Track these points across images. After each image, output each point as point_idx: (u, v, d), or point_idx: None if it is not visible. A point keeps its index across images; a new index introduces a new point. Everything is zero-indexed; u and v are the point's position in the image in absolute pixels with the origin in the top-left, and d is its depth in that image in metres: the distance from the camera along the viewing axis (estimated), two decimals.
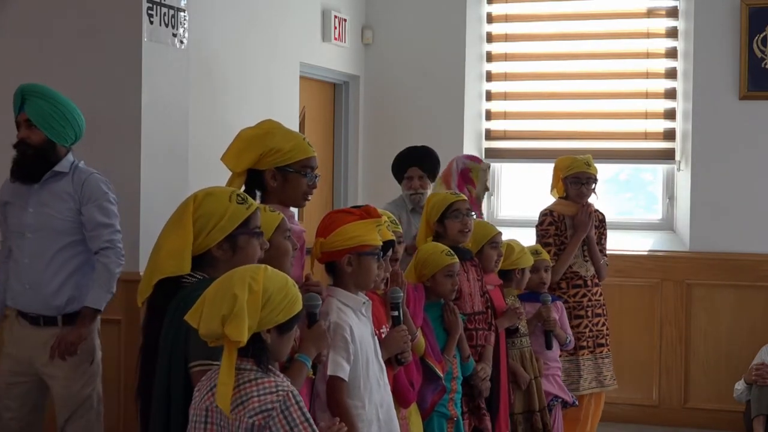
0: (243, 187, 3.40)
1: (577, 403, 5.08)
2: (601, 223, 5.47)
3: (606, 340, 5.36)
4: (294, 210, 3.70)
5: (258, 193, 3.44)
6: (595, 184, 5.37)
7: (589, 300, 5.28)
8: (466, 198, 4.45)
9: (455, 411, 4.09)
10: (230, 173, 3.43)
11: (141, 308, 2.88)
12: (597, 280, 5.36)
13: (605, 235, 5.50)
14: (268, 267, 2.52)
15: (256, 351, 2.43)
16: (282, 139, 3.40)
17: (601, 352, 5.32)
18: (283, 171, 3.40)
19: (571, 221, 5.29)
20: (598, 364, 5.29)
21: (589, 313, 5.24)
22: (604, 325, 5.35)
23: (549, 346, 4.89)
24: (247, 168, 3.40)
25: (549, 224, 5.29)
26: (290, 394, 2.39)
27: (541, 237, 5.30)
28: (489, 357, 4.37)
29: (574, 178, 5.30)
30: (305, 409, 2.40)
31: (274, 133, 3.41)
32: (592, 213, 5.30)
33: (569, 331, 5.06)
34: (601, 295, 5.38)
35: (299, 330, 2.74)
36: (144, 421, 2.80)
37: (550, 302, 4.90)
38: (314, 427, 2.39)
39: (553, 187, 5.47)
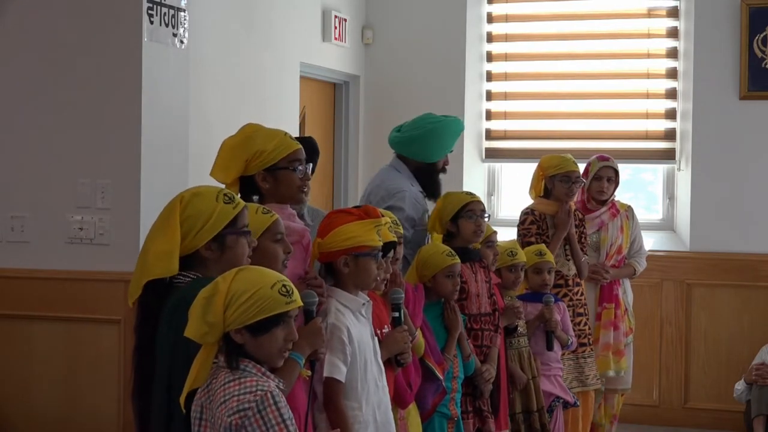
0: (239, 195, 3.38)
1: (578, 403, 5.07)
2: (580, 222, 5.47)
3: (588, 339, 5.33)
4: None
5: (255, 198, 3.42)
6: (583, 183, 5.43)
7: (570, 300, 5.25)
8: (480, 199, 4.46)
9: (456, 411, 4.10)
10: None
11: (133, 308, 2.88)
12: (578, 280, 5.35)
13: (585, 234, 5.49)
14: (251, 268, 2.55)
15: (227, 349, 2.48)
16: (263, 141, 3.36)
17: (584, 351, 5.29)
18: (272, 171, 3.36)
19: (552, 220, 5.29)
20: (579, 364, 5.27)
21: (570, 313, 5.21)
22: (586, 324, 5.32)
23: (550, 347, 4.89)
24: (236, 177, 3.37)
25: (530, 223, 5.28)
26: (268, 395, 2.39)
27: (522, 236, 5.28)
28: (494, 358, 4.37)
29: (564, 177, 5.28)
30: (284, 411, 2.40)
31: (255, 137, 3.37)
32: (572, 211, 5.31)
33: (571, 332, 5.05)
34: (582, 294, 5.35)
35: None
36: (140, 422, 2.80)
37: (552, 303, 4.89)
38: (290, 429, 2.40)
39: (532, 187, 5.46)
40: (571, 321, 5.18)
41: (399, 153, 4.70)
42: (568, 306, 5.20)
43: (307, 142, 4.28)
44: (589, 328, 5.35)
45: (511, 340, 4.66)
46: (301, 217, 3.72)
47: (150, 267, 2.76)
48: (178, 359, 2.63)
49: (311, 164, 3.99)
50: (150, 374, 2.73)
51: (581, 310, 5.32)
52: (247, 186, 3.40)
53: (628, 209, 5.84)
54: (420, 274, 4.12)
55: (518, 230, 5.35)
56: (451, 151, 4.71)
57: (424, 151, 4.63)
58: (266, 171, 3.36)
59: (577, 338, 5.22)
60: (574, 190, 5.33)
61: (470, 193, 4.50)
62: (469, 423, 4.24)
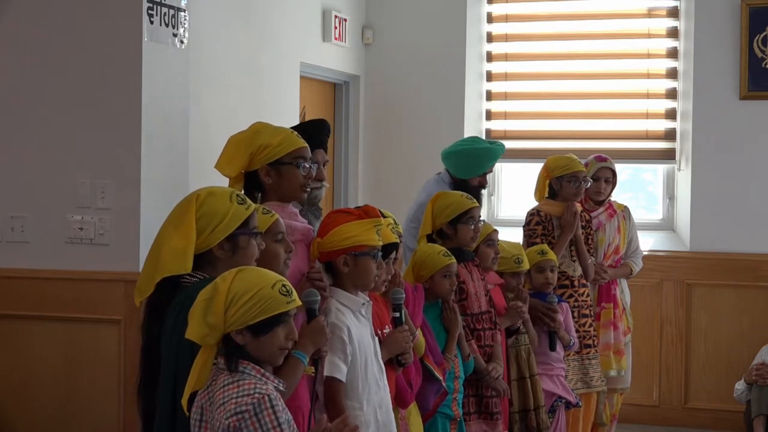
0: (242, 191, 3.39)
1: (580, 404, 5.07)
2: (587, 224, 5.47)
3: (594, 341, 5.32)
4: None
5: (258, 195, 3.43)
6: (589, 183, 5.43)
7: (576, 300, 5.25)
8: (478, 205, 4.45)
9: (458, 411, 4.09)
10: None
11: (140, 307, 2.87)
12: (584, 281, 5.34)
13: (592, 235, 5.49)
14: (250, 268, 2.56)
15: (227, 351, 2.48)
16: (269, 136, 3.37)
17: (588, 353, 5.28)
18: (276, 165, 3.36)
19: (558, 221, 5.28)
20: (584, 365, 5.26)
21: (575, 314, 5.20)
22: (591, 326, 5.31)
23: (553, 347, 4.89)
24: (241, 171, 3.38)
25: (536, 224, 5.28)
26: (266, 398, 2.40)
27: (528, 237, 5.28)
28: (499, 356, 4.37)
29: (573, 177, 5.28)
30: (281, 414, 2.40)
31: (262, 132, 3.38)
32: (578, 213, 5.30)
33: (573, 333, 5.05)
34: (588, 295, 5.35)
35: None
36: (145, 419, 2.80)
37: (555, 303, 4.89)
38: None
39: (537, 190, 5.45)
40: (577, 322, 5.19)
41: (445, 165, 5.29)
42: (574, 307, 5.20)
43: (319, 124, 4.38)
44: (595, 330, 5.35)
45: (509, 338, 4.66)
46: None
47: (164, 264, 2.76)
48: (183, 361, 2.63)
49: (323, 148, 4.19)
50: (156, 374, 2.73)
51: (587, 312, 5.31)
52: (251, 182, 3.40)
53: (625, 209, 5.84)
54: (417, 275, 4.12)
55: (524, 231, 5.34)
56: (489, 172, 5.21)
57: (456, 168, 5.15)
58: (270, 165, 3.36)
59: (583, 339, 5.22)
60: (582, 189, 5.33)
61: (469, 197, 4.46)
62: (471, 424, 4.24)
